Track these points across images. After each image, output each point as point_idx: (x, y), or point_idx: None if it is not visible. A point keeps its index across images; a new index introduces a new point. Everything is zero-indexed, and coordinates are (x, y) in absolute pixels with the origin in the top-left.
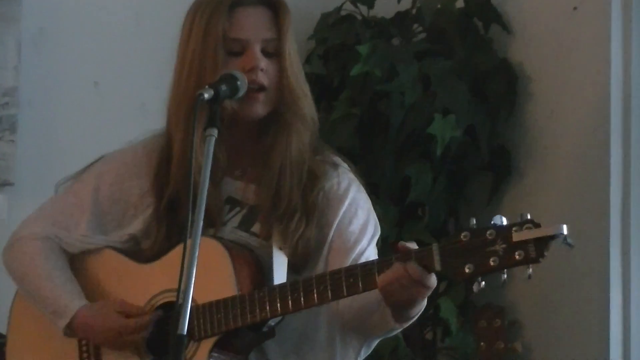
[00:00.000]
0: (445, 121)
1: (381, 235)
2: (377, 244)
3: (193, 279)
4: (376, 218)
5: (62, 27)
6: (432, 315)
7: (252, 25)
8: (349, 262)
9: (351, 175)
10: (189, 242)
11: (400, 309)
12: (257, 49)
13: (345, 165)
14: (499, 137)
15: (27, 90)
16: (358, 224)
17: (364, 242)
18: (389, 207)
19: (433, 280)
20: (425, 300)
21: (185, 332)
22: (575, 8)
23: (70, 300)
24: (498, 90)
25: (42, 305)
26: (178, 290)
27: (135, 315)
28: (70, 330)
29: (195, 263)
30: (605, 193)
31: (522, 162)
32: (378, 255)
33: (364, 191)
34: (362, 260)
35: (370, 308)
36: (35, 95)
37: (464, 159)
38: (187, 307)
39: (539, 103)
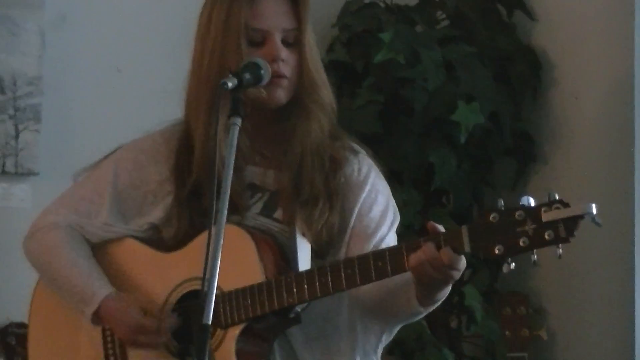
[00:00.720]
0: (468, 108)
1: (405, 222)
2: (397, 231)
3: (218, 267)
4: (395, 204)
5: (84, 14)
6: (457, 303)
7: (273, 15)
8: (369, 248)
9: (370, 161)
10: (213, 229)
11: (428, 290)
12: (277, 39)
13: (363, 151)
14: (523, 123)
15: (50, 78)
16: (378, 210)
17: (384, 228)
18: (413, 194)
19: (463, 262)
20: (451, 285)
21: (210, 322)
22: None
23: (98, 287)
24: (521, 75)
25: (68, 295)
26: (203, 278)
27: (154, 316)
28: (97, 318)
29: (220, 251)
30: (629, 178)
31: (546, 147)
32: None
33: (383, 177)
34: (383, 246)
35: (395, 291)
36: (59, 83)
37: (488, 144)
38: (211, 296)
39: (562, 88)
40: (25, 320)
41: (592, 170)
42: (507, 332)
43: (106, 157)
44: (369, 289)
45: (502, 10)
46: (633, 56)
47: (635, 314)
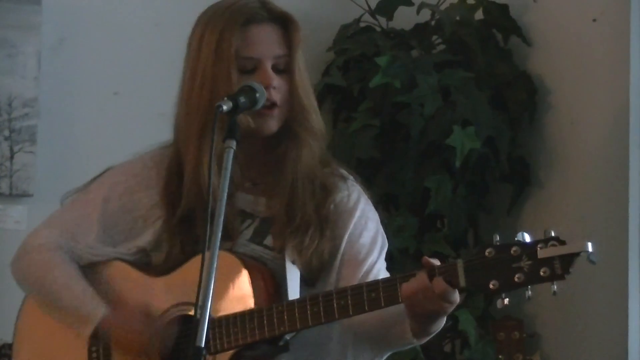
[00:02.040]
0: (464, 132)
1: (400, 246)
2: (391, 255)
3: (211, 292)
4: (383, 231)
5: (82, 37)
6: (450, 327)
7: (265, 43)
8: (360, 274)
9: (359, 188)
10: (207, 255)
11: (421, 323)
12: (269, 66)
13: (351, 177)
14: (519, 148)
15: (46, 100)
16: (369, 236)
17: (375, 253)
18: (409, 218)
19: (457, 296)
20: (445, 317)
21: (203, 345)
22: (594, 20)
23: (93, 307)
24: (518, 101)
25: (63, 315)
26: (197, 300)
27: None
28: (95, 338)
29: (214, 276)
30: (624, 204)
31: (542, 173)
32: (396, 267)
33: (371, 203)
34: (374, 272)
35: (389, 322)
36: (55, 105)
37: (484, 169)
38: (205, 318)
39: (559, 114)
40: (10, 340)
41: (587, 196)
42: (500, 357)
43: (95, 179)
44: (362, 318)
45: (498, 35)
46: (629, 82)
47: (629, 338)
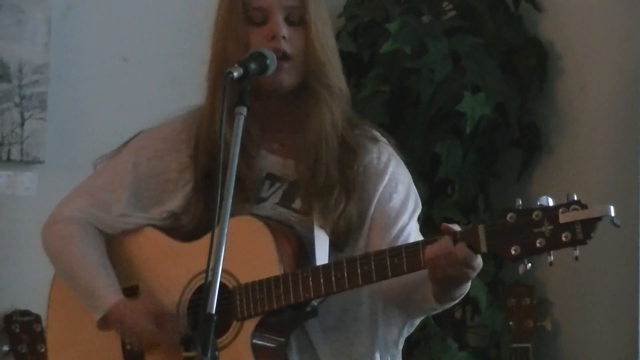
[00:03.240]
0: (474, 99)
1: None
2: (418, 219)
3: (222, 258)
4: (417, 192)
5: (90, 3)
6: None
7: None
8: (390, 238)
9: (390, 150)
10: (216, 225)
11: (444, 288)
12: (279, 16)
13: (384, 139)
14: (529, 114)
15: (56, 67)
16: (399, 199)
17: (405, 217)
18: (419, 184)
19: (479, 261)
20: (470, 282)
21: (213, 311)
22: None
23: (107, 293)
24: (528, 66)
25: (78, 292)
26: (207, 268)
27: (167, 321)
28: (104, 323)
29: (224, 241)
30: (635, 169)
31: (552, 138)
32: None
33: (404, 165)
34: (404, 235)
35: (413, 285)
36: (65, 71)
37: (494, 135)
38: (215, 286)
39: (569, 79)
40: (30, 309)
41: (598, 162)
42: (511, 323)
43: (126, 143)
44: (389, 283)
45: (509, 1)
46: (639, 47)
47: None
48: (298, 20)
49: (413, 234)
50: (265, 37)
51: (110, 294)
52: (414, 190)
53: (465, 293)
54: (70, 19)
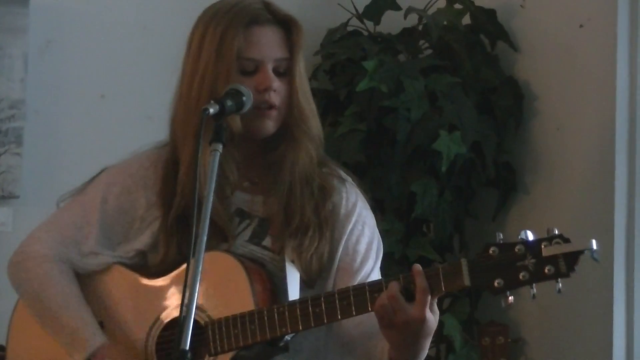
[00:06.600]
0: (450, 138)
1: (387, 250)
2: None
3: (196, 294)
4: (379, 234)
5: (68, 39)
6: (435, 332)
7: (267, 45)
8: (355, 282)
9: (357, 190)
10: (192, 259)
11: (395, 345)
12: (269, 69)
13: (350, 179)
14: (505, 153)
15: (33, 102)
16: (365, 243)
17: (370, 263)
18: (394, 223)
19: (429, 316)
20: (426, 349)
21: (187, 347)
22: (581, 26)
23: (91, 334)
24: (504, 106)
25: (57, 334)
26: (181, 304)
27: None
28: None
29: (199, 277)
30: (610, 210)
31: (528, 178)
32: (381, 272)
33: (369, 207)
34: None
35: (375, 338)
36: (42, 107)
37: (470, 174)
38: (189, 322)
39: (545, 120)
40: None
41: (573, 202)
42: None
43: (91, 180)
44: (352, 331)
45: (485, 41)
46: (615, 88)
47: (614, 345)
48: (284, 70)
49: (376, 277)
50: (255, 88)
51: (96, 335)
52: (377, 233)
53: (423, 357)
54: (47, 55)
